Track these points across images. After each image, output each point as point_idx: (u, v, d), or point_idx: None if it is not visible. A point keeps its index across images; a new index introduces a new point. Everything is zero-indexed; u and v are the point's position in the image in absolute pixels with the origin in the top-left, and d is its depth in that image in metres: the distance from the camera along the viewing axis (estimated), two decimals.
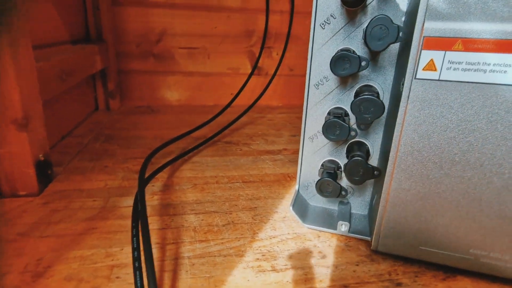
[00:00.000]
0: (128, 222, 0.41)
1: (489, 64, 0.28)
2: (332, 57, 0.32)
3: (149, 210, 0.44)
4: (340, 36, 0.36)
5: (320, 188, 0.37)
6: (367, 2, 0.35)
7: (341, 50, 0.34)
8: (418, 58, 0.29)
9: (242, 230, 0.41)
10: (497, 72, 0.28)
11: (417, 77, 0.29)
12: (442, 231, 0.33)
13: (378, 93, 0.36)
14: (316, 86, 0.39)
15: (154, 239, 0.39)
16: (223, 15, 0.93)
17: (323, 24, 0.37)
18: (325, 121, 0.34)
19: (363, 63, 0.31)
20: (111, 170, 0.56)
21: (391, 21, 0.28)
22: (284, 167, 0.61)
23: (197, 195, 0.49)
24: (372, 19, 0.29)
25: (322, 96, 0.39)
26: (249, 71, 1.00)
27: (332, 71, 0.33)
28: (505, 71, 0.27)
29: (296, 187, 0.43)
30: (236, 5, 0.93)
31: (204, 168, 0.59)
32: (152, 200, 0.47)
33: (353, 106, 0.31)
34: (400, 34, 0.28)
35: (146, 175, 0.49)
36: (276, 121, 0.89)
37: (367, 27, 0.29)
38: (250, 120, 0.88)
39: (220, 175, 0.56)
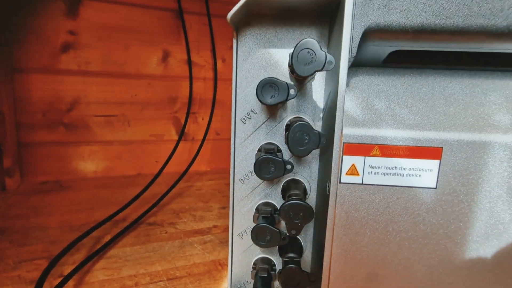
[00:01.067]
0: None
1: (405, 169, 0.28)
2: (256, 160, 0.30)
3: None
4: (262, 131, 0.35)
5: None
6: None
7: (265, 149, 0.33)
8: (340, 163, 0.29)
9: None
10: (413, 176, 0.28)
11: (341, 181, 0.29)
12: None
13: (305, 188, 0.35)
14: (242, 181, 0.37)
15: None
16: (144, 82, 0.90)
17: (244, 118, 0.35)
18: (254, 227, 0.32)
19: (288, 167, 0.30)
20: None
21: (312, 128, 0.28)
22: (214, 251, 0.56)
23: None
24: (293, 125, 0.28)
25: (249, 190, 0.37)
26: (174, 137, 0.96)
27: (256, 175, 0.31)
28: (419, 175, 0.28)
29: None
30: (157, 73, 0.91)
31: (122, 264, 0.51)
32: None
33: (282, 212, 0.30)
34: (322, 140, 0.28)
35: None
36: (205, 191, 0.85)
37: (288, 132, 0.28)
38: (177, 191, 0.83)
39: (140, 273, 0.49)
